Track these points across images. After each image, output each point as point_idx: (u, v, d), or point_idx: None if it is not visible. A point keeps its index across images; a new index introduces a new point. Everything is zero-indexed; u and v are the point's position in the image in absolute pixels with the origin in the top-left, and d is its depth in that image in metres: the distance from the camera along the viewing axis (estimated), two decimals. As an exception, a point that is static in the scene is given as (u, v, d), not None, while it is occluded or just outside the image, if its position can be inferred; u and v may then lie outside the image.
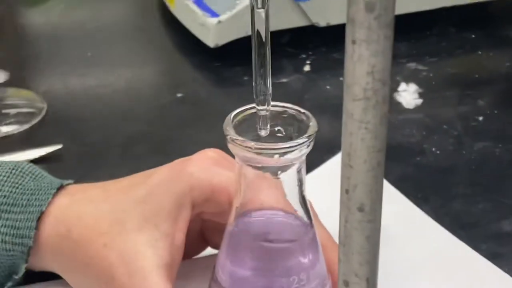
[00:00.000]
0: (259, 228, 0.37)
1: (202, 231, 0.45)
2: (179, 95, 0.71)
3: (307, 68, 0.75)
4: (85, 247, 0.41)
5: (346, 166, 0.24)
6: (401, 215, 0.53)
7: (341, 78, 0.73)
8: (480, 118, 0.66)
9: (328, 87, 0.72)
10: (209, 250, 0.47)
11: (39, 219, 0.42)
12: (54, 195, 0.43)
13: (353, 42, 0.22)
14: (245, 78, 0.73)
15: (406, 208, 0.54)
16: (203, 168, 0.42)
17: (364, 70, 0.23)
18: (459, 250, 0.50)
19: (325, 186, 0.46)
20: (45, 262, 0.44)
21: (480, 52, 0.78)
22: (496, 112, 0.67)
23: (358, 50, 0.22)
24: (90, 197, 0.43)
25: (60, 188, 0.44)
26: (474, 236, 0.52)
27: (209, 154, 0.43)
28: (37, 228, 0.42)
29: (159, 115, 0.69)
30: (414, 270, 0.48)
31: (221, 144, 0.65)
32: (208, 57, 0.76)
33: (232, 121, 0.36)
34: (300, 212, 0.37)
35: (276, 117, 0.36)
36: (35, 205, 0.43)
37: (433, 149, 0.62)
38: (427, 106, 0.68)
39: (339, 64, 0.75)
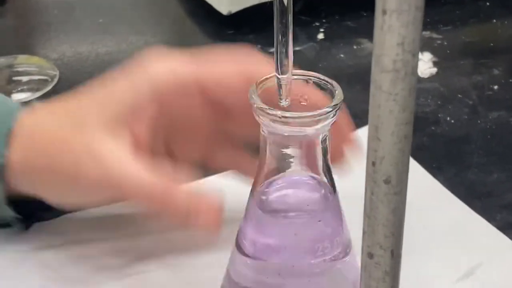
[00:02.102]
0: (284, 196, 0.37)
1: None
2: (191, 63, 0.71)
3: (320, 36, 0.74)
4: (51, 150, 0.42)
5: (373, 139, 0.24)
6: (415, 185, 0.53)
7: (355, 47, 0.72)
8: (495, 87, 0.66)
9: (342, 55, 0.71)
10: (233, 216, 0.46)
11: (7, 138, 0.43)
12: (18, 115, 0.44)
13: (384, 12, 0.22)
14: (259, 46, 0.72)
15: (421, 178, 0.54)
16: (159, 59, 0.43)
17: (394, 41, 0.22)
18: (473, 221, 0.50)
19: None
20: (19, 181, 0.44)
21: (494, 21, 0.78)
22: (511, 81, 0.67)
23: (389, 21, 0.22)
24: (52, 110, 0.44)
25: (22, 110, 0.45)
26: (489, 206, 0.52)
27: (158, 50, 0.44)
28: (5, 146, 0.43)
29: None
30: (427, 240, 0.48)
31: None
32: (221, 25, 0.75)
33: (257, 89, 0.35)
34: (325, 180, 0.37)
35: (300, 85, 0.36)
36: (2, 126, 0.43)
37: (448, 118, 0.62)
38: (441, 75, 0.68)
39: (352, 32, 0.75)
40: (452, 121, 0.61)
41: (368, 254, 0.27)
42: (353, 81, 0.66)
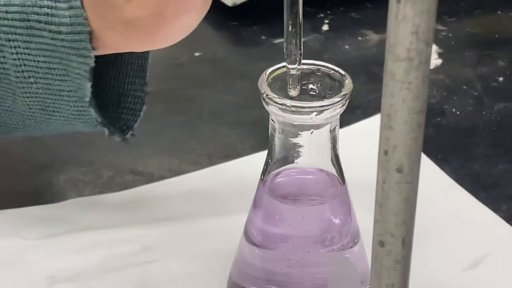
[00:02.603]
0: (292, 186, 0.38)
1: None
2: (196, 54, 0.71)
3: (325, 27, 0.74)
4: None
5: (385, 127, 0.24)
6: (421, 176, 0.53)
7: (359, 38, 0.72)
8: (500, 79, 0.66)
9: (346, 46, 0.71)
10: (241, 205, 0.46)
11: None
12: None
13: (398, 1, 0.22)
14: (263, 37, 0.72)
15: (427, 169, 0.54)
16: None
17: (408, 30, 0.22)
18: (479, 212, 0.50)
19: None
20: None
21: (499, 12, 0.77)
22: (516, 72, 0.67)
23: (403, 10, 0.22)
24: None
25: None
26: (495, 197, 0.52)
27: None
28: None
29: (176, 74, 0.69)
30: (433, 231, 0.48)
31: (239, 102, 0.65)
32: (225, 16, 0.75)
33: (267, 79, 0.35)
34: (333, 170, 0.37)
35: (309, 75, 0.36)
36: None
37: (453, 109, 0.62)
38: (446, 67, 0.68)
39: (357, 24, 0.75)
40: (458, 112, 0.61)
41: (380, 243, 0.27)
42: (357, 72, 0.66)
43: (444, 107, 0.62)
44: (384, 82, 0.24)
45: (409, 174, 0.25)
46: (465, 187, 0.52)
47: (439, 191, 0.52)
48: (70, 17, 0.41)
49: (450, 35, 0.73)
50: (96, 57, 0.42)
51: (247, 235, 0.39)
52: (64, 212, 0.50)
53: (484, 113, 0.61)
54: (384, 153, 0.25)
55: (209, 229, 0.48)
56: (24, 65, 0.43)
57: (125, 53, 0.47)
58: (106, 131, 0.45)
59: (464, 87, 0.65)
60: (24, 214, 0.50)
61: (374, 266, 0.28)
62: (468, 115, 0.61)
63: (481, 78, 0.66)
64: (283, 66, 0.36)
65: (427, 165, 0.54)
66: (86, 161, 0.56)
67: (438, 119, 0.60)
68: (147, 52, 0.48)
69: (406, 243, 0.27)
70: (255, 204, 0.38)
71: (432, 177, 0.53)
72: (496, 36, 0.74)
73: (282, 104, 0.34)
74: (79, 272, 0.45)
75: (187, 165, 0.56)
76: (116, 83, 0.48)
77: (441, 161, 0.55)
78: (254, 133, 0.60)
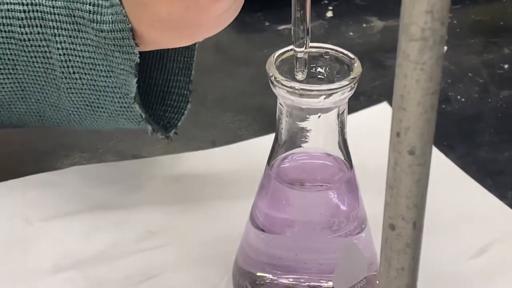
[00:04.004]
0: (299, 170, 0.37)
1: None
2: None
3: (329, 14, 0.74)
4: None
5: (398, 109, 0.24)
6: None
7: (364, 25, 0.72)
8: (506, 66, 0.65)
9: (351, 33, 0.71)
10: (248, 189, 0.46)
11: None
12: None
13: (413, -21, 0.22)
14: (267, 23, 0.72)
15: (432, 156, 0.54)
16: None
17: (422, 9, 0.22)
18: (485, 199, 0.50)
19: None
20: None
21: (504, -1, 0.77)
22: (521, 60, 0.66)
23: (418, -12, 0.22)
24: None
25: None
26: (500, 184, 0.52)
27: None
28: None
29: (180, 60, 0.68)
30: (439, 218, 0.48)
31: (242, 88, 0.65)
32: (229, 2, 0.75)
33: (275, 61, 0.35)
34: (341, 155, 0.37)
35: (317, 58, 0.36)
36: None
37: (459, 97, 0.61)
38: (452, 54, 0.67)
39: (361, 10, 0.74)
40: (463, 99, 0.61)
41: (390, 226, 0.26)
42: (362, 59, 0.64)
43: (450, 94, 0.62)
44: (397, 62, 0.23)
45: (421, 156, 0.25)
46: (471, 174, 0.52)
47: (444, 179, 0.52)
48: (112, 14, 0.41)
49: (455, 22, 0.72)
50: (141, 53, 0.42)
51: (253, 220, 0.39)
52: (66, 189, 0.50)
53: (489, 100, 0.61)
54: (396, 135, 0.24)
55: (215, 214, 0.48)
56: (69, 60, 0.43)
57: (171, 50, 0.47)
58: (149, 128, 0.45)
59: (470, 74, 0.64)
60: (25, 185, 0.50)
61: (384, 249, 0.27)
62: (473, 102, 0.61)
63: (486, 65, 0.65)
64: (291, 49, 0.35)
65: (432, 152, 0.54)
66: (90, 146, 0.56)
67: (443, 106, 0.60)
68: (192, 50, 0.48)
69: (417, 226, 0.26)
70: (262, 187, 0.38)
71: (437, 164, 0.53)
72: (501, 23, 0.73)
73: (290, 87, 0.34)
74: (83, 259, 0.45)
75: (191, 152, 0.55)
76: (161, 80, 0.48)
77: (447, 148, 0.55)
78: (258, 120, 0.59)
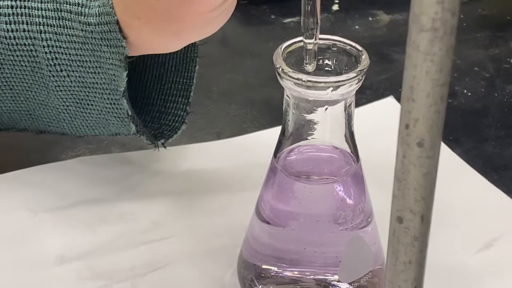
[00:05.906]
0: (306, 163, 0.37)
1: None
2: (205, 33, 0.70)
3: (335, 7, 0.74)
4: None
5: (407, 100, 0.24)
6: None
7: (370, 18, 0.72)
8: (512, 61, 0.65)
9: (357, 26, 0.71)
10: (254, 181, 0.46)
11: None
12: None
13: (424, -31, 0.21)
14: (272, 16, 0.72)
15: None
16: None
17: None
18: (491, 193, 0.50)
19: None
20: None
21: (511, -6, 0.77)
22: (528, 54, 0.66)
23: (429, -22, 0.21)
24: None
25: None
26: (506, 179, 0.52)
27: None
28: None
29: (185, 53, 0.68)
30: (445, 213, 0.48)
31: (248, 81, 0.65)
32: (235, -5, 0.75)
33: (282, 53, 0.35)
34: (347, 147, 0.36)
35: (324, 50, 0.35)
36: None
37: (465, 91, 0.61)
38: (458, 48, 0.67)
39: (367, 4, 0.74)
40: (469, 93, 0.61)
41: (398, 219, 0.26)
42: (368, 52, 0.65)
43: (456, 88, 0.61)
44: (407, 53, 0.23)
45: (430, 148, 0.24)
46: (477, 168, 0.52)
47: (450, 173, 0.52)
48: (99, 6, 0.40)
49: (462, 16, 0.72)
50: (140, 75, 0.41)
51: (258, 212, 0.39)
52: (71, 180, 0.50)
53: (496, 94, 0.61)
54: (405, 126, 0.24)
55: (220, 206, 0.48)
56: (56, 58, 0.43)
57: (170, 71, 0.47)
58: (133, 128, 0.45)
59: (476, 68, 0.64)
60: (29, 176, 0.50)
61: (392, 242, 0.27)
62: (479, 97, 0.61)
63: (492, 60, 0.65)
64: (299, 41, 0.35)
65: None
66: (95, 138, 0.55)
67: (450, 100, 0.60)
68: (192, 71, 0.48)
69: (425, 219, 0.26)
70: (268, 180, 0.38)
71: (443, 158, 0.53)
72: (508, 17, 0.73)
73: (297, 79, 0.33)
74: (88, 251, 0.45)
75: (196, 144, 0.55)
76: (158, 101, 0.48)
77: (453, 142, 0.55)
78: (263, 112, 0.59)
